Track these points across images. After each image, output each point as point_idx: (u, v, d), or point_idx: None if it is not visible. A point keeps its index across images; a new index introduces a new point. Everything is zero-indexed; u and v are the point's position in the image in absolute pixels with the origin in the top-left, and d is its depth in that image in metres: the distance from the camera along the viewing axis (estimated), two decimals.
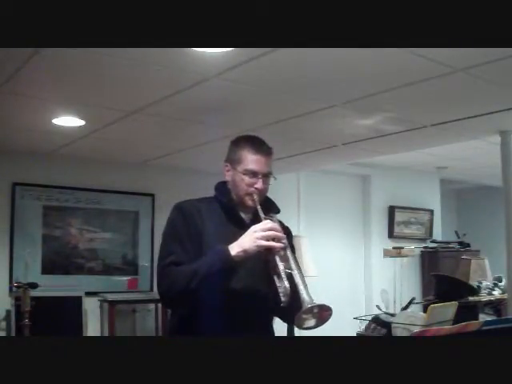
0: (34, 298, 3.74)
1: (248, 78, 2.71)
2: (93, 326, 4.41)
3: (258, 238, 1.84)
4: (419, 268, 6.30)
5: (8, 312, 4.06)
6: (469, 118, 3.40)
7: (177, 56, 2.40)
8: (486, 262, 5.51)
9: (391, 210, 6.22)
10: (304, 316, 1.75)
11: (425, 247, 6.35)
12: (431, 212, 6.58)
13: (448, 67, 2.55)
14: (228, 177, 2.08)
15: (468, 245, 6.26)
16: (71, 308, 4.26)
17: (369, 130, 3.74)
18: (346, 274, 5.93)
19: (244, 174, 2.01)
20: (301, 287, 1.78)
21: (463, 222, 7.53)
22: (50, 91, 2.93)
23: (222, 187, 2.11)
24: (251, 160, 2.02)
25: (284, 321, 2.18)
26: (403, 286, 5.42)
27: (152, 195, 5.02)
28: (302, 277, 1.83)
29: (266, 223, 1.90)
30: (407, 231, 6.37)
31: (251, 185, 2.01)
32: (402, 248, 5.28)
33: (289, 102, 3.12)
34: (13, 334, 3.91)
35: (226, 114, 3.35)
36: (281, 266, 1.84)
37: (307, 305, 1.73)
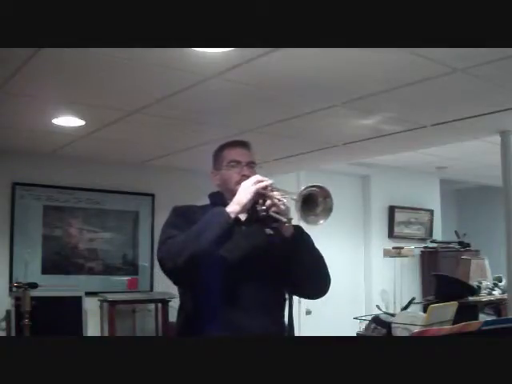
0: (34, 298, 3.74)
1: (248, 78, 2.71)
2: (93, 326, 4.40)
3: (248, 188, 1.89)
4: (419, 268, 6.30)
5: (8, 312, 4.06)
6: (469, 117, 3.40)
7: (177, 56, 2.40)
8: (486, 262, 5.50)
9: (391, 210, 6.21)
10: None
11: (425, 247, 6.34)
12: (431, 212, 6.58)
13: (448, 67, 2.54)
14: (216, 181, 2.12)
15: (468, 245, 6.25)
16: (71, 308, 4.26)
17: (369, 130, 3.74)
18: (346, 274, 5.92)
19: (228, 167, 2.06)
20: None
21: (463, 222, 7.52)
22: (50, 91, 2.93)
23: (216, 194, 2.14)
24: (231, 153, 2.08)
25: (300, 292, 2.10)
26: (403, 286, 5.43)
27: (152, 195, 5.02)
28: None
29: (253, 177, 1.94)
30: (407, 231, 6.37)
31: (238, 174, 2.04)
32: (402, 248, 5.29)
33: (289, 102, 3.12)
34: (13, 333, 3.91)
35: (225, 114, 3.35)
36: (276, 193, 1.89)
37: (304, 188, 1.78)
